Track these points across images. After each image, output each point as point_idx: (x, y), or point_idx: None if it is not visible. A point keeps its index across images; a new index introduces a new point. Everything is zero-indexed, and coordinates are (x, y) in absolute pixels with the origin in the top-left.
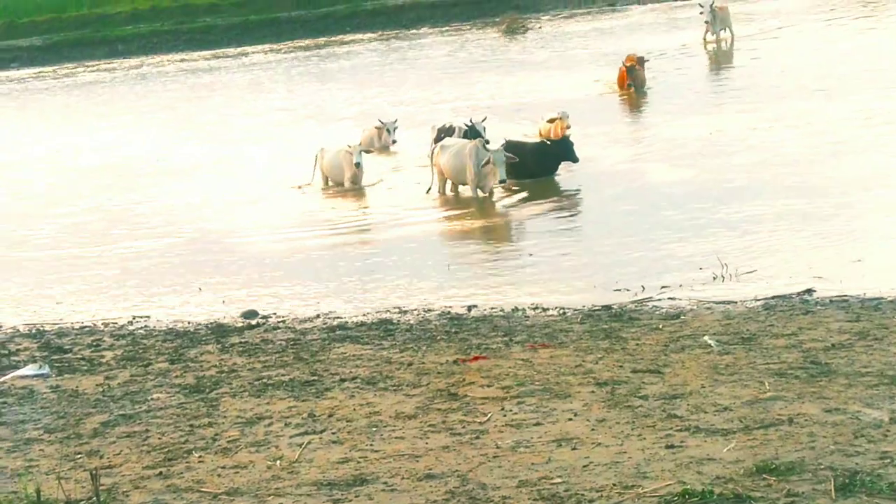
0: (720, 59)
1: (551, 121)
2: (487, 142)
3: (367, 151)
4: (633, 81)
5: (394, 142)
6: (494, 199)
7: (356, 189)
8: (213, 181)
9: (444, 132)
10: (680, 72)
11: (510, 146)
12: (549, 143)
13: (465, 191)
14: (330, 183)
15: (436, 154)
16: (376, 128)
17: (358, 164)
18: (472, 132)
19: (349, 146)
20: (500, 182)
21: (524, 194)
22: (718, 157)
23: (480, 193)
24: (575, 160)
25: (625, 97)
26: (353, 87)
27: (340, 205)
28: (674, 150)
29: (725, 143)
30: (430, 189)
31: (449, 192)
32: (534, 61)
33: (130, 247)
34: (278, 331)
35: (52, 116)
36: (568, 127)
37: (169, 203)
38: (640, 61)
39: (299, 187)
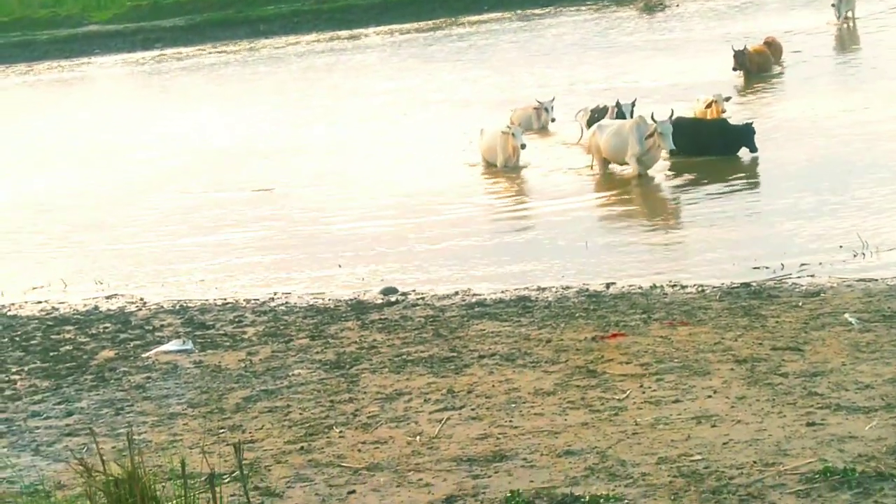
0: (845, 41)
1: (708, 105)
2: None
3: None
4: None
5: (553, 120)
6: (652, 179)
7: (511, 170)
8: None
9: (598, 113)
10: (805, 54)
11: (683, 121)
12: (730, 124)
13: (621, 170)
14: (489, 163)
15: (593, 135)
16: (534, 108)
17: (524, 146)
18: (618, 114)
19: (508, 127)
20: (670, 152)
21: (680, 176)
22: (852, 137)
23: (642, 170)
24: (754, 149)
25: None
26: (488, 69)
27: (491, 186)
28: (807, 130)
29: (855, 122)
30: (591, 166)
31: (607, 171)
32: (672, 42)
33: (271, 225)
34: (417, 307)
35: (188, 96)
36: (724, 111)
37: (316, 184)
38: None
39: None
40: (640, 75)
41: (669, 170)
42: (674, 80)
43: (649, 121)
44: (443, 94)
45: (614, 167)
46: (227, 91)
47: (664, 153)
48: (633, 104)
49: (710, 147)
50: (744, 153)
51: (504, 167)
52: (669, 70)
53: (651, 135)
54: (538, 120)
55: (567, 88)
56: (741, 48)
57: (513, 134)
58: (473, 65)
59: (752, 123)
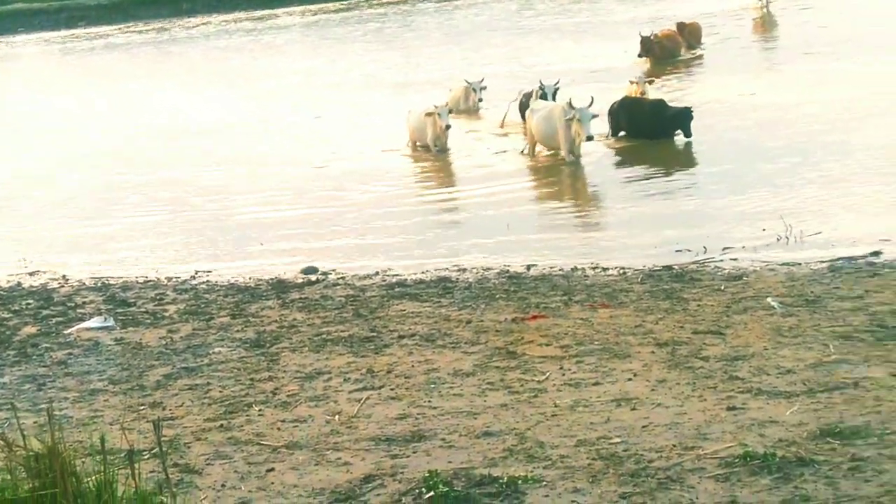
0: (767, 23)
1: (633, 83)
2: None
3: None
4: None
5: (480, 101)
6: (583, 160)
7: (440, 151)
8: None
9: (528, 97)
10: (724, 35)
11: (631, 101)
12: (668, 106)
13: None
14: (418, 145)
15: (528, 118)
16: (464, 88)
17: (449, 126)
18: (542, 97)
19: (435, 107)
20: (588, 139)
21: (608, 160)
22: (774, 120)
23: (571, 157)
24: (688, 134)
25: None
26: (400, 50)
27: (417, 167)
28: (729, 112)
29: (778, 104)
30: (524, 150)
31: (538, 155)
32: (580, 25)
33: (193, 206)
34: (338, 287)
35: (102, 75)
36: (643, 93)
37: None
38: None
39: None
40: (544, 59)
41: (603, 153)
42: (579, 65)
43: (572, 105)
44: (353, 73)
45: (541, 149)
46: (140, 70)
47: (582, 138)
48: (556, 87)
49: (646, 128)
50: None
51: (435, 148)
52: (574, 54)
53: (571, 120)
54: (466, 101)
55: (468, 71)
56: (648, 34)
57: (438, 114)
58: (385, 46)
59: (690, 108)
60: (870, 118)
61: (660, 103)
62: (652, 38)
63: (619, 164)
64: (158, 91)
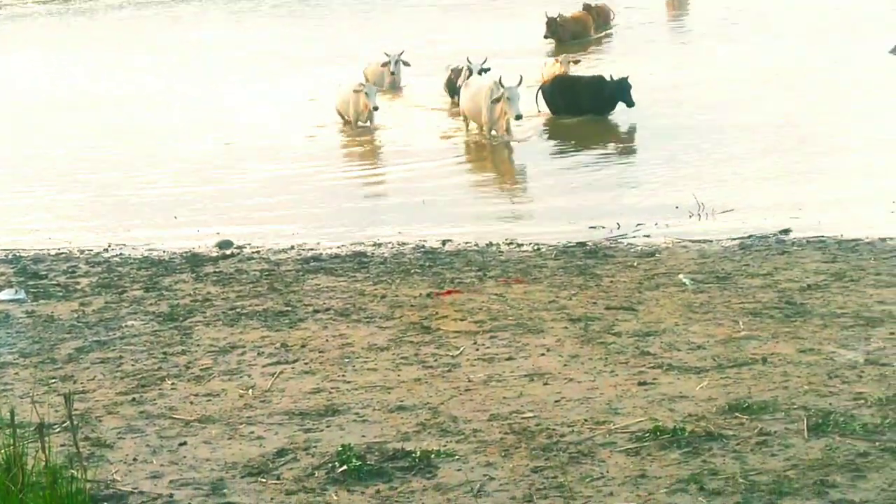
0: (679, 4)
1: (558, 63)
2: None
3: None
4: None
5: (392, 73)
6: (505, 141)
7: (365, 128)
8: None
9: (455, 74)
10: (636, 16)
11: (565, 81)
12: (607, 80)
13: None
14: (345, 118)
15: (462, 94)
16: (382, 65)
17: (376, 108)
18: (470, 75)
19: (361, 85)
20: (517, 118)
21: (530, 138)
22: (689, 99)
23: (494, 134)
24: (630, 104)
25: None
26: (308, 24)
27: (339, 143)
28: (645, 92)
29: (693, 84)
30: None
31: (475, 133)
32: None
33: (109, 176)
34: (252, 261)
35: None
36: (566, 72)
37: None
38: None
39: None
40: (453, 37)
41: (532, 132)
42: (489, 45)
43: (501, 83)
44: (264, 48)
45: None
46: (44, 42)
47: (511, 117)
48: (482, 65)
49: (587, 105)
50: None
51: (357, 125)
52: (484, 34)
53: (498, 99)
54: (388, 77)
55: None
56: (554, 16)
57: (365, 93)
58: (296, 21)
59: (626, 78)
60: (775, 96)
61: (598, 79)
62: (558, 19)
63: (543, 143)
64: (60, 63)
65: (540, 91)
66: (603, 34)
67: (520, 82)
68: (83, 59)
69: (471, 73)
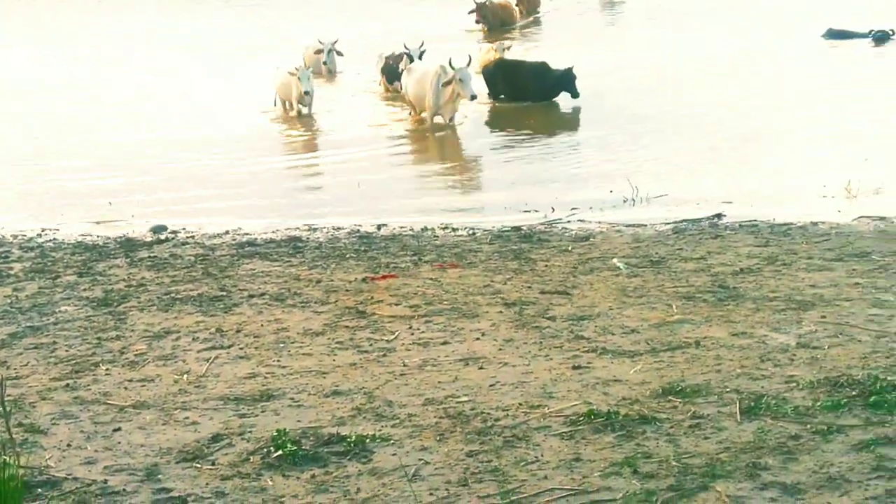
0: None
1: (492, 51)
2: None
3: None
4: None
5: (325, 63)
6: (451, 126)
7: (303, 117)
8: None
9: (393, 60)
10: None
11: (508, 65)
12: (551, 68)
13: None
14: (286, 104)
15: (404, 79)
16: (316, 52)
17: (307, 92)
18: (410, 60)
19: (295, 69)
20: (471, 99)
21: (474, 122)
22: (621, 85)
23: (442, 120)
24: (575, 94)
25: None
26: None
27: (277, 129)
28: (579, 78)
29: (625, 70)
30: (410, 113)
31: (421, 118)
32: None
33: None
34: (187, 246)
35: None
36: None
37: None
38: None
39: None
40: (383, 23)
41: (470, 117)
42: (419, 31)
43: (448, 69)
44: (196, 34)
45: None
46: None
47: (464, 101)
48: (420, 49)
49: (530, 91)
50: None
51: (294, 107)
52: (412, 19)
53: (449, 82)
54: (320, 63)
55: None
56: (482, 1)
57: (299, 78)
58: (230, 7)
59: (572, 69)
60: (704, 82)
61: (542, 66)
62: (487, 4)
63: (479, 129)
64: None
65: (481, 74)
66: (532, 19)
67: (469, 62)
68: (8, 46)
69: (410, 59)
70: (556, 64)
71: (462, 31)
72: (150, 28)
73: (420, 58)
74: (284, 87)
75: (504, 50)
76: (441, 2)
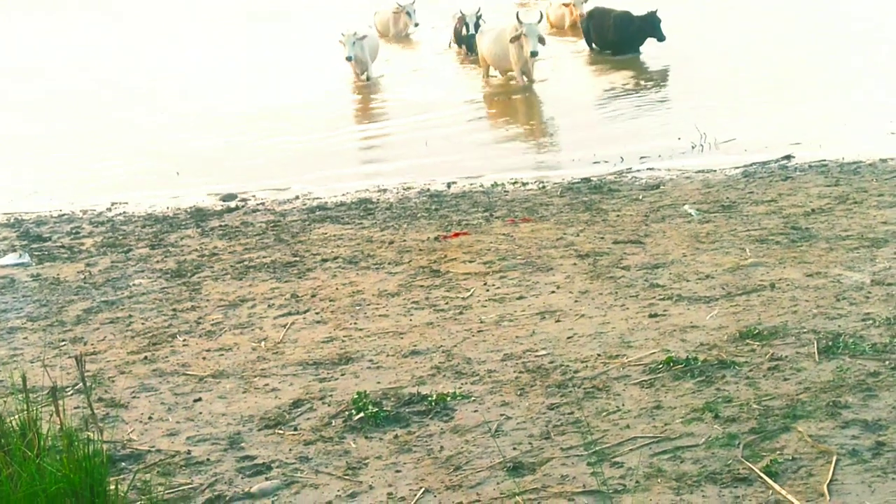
0: None
1: (565, 5)
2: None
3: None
4: None
5: (416, 25)
6: (529, 80)
7: (361, 80)
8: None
9: (460, 23)
10: None
11: (598, 12)
12: (633, 15)
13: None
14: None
15: (478, 39)
16: (394, 12)
17: (349, 58)
18: (466, 26)
19: (342, 34)
20: (532, 55)
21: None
22: (691, 34)
23: (524, 79)
24: (661, 38)
25: None
26: None
27: (344, 95)
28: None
29: (695, 21)
30: (484, 76)
31: (492, 78)
32: None
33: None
34: (258, 213)
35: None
36: (582, 14)
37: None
38: None
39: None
40: None
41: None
42: None
43: (520, 20)
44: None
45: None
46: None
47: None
48: (477, 15)
49: (615, 39)
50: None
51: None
52: None
53: (517, 37)
54: (396, 25)
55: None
56: None
57: (406, 12)
58: None
59: (655, 12)
60: (768, 29)
61: (625, 14)
62: None
63: (557, 84)
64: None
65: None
66: None
67: (539, 20)
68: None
69: (467, 25)
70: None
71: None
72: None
73: (476, 25)
74: (385, 24)
75: (582, 3)
76: None
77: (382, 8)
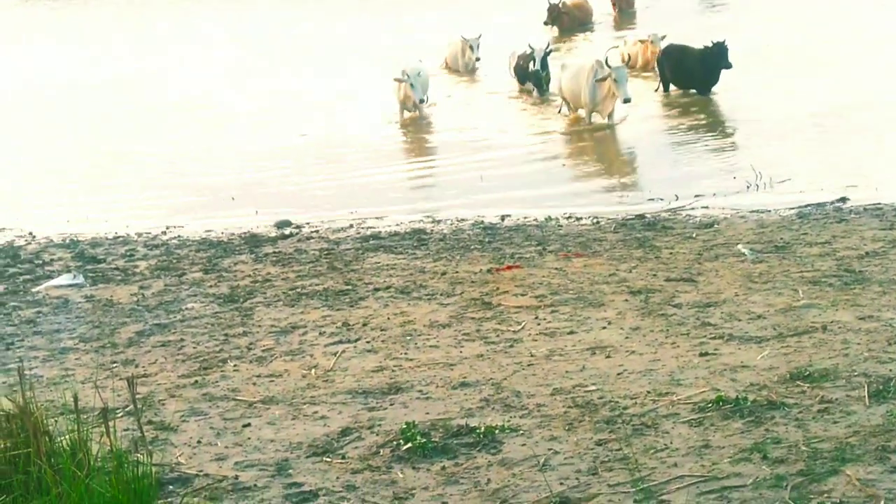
0: None
1: (642, 42)
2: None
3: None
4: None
5: (478, 59)
6: (610, 122)
7: (422, 115)
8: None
9: (524, 59)
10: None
11: (675, 50)
12: (708, 48)
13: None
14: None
15: (560, 73)
16: (460, 43)
17: (422, 101)
18: (531, 60)
19: (403, 72)
20: (625, 101)
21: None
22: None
23: (599, 119)
24: (728, 66)
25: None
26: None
27: (396, 125)
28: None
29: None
30: (560, 110)
31: (570, 114)
32: None
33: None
34: (311, 240)
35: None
36: (658, 50)
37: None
38: None
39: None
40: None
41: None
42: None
43: (605, 65)
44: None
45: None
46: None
47: (620, 100)
48: (546, 50)
49: (698, 78)
50: None
51: (464, 69)
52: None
53: (604, 78)
54: (463, 57)
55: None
56: (556, 2)
57: (470, 46)
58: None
59: (724, 42)
60: (818, 72)
61: (706, 50)
62: (560, 5)
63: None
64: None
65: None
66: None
67: (628, 62)
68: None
69: (533, 60)
70: None
71: (533, 32)
72: (268, 30)
73: (544, 60)
74: (454, 56)
75: (659, 40)
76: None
77: (454, 39)
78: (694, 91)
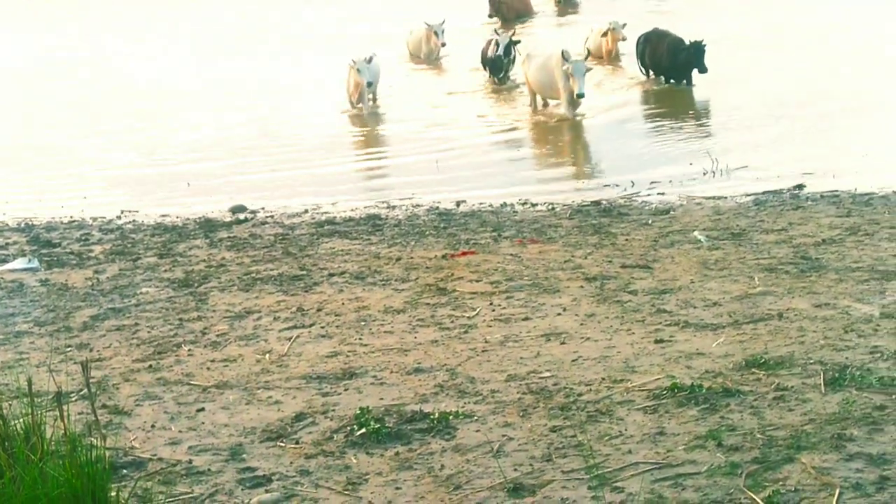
0: None
1: (604, 34)
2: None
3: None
4: None
5: (443, 44)
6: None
7: (369, 112)
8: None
9: (488, 45)
10: None
11: (654, 35)
12: (684, 42)
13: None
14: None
15: (523, 65)
16: (424, 30)
17: (370, 84)
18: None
19: (353, 61)
20: (579, 97)
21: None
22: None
23: (572, 112)
24: (703, 70)
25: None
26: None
27: (356, 113)
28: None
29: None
30: (530, 104)
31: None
32: None
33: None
34: (266, 225)
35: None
36: (623, 38)
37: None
38: None
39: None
40: (390, 14)
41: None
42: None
43: (566, 56)
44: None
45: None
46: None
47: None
48: (510, 38)
49: (665, 67)
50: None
51: (429, 58)
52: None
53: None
54: (427, 44)
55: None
56: None
57: (435, 32)
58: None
59: (702, 41)
60: (774, 57)
61: (678, 40)
62: None
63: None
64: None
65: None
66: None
67: (586, 56)
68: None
69: (498, 45)
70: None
71: (479, 25)
72: (231, 19)
73: (508, 47)
74: (417, 42)
75: (621, 28)
76: None
77: (417, 27)
78: (664, 79)
